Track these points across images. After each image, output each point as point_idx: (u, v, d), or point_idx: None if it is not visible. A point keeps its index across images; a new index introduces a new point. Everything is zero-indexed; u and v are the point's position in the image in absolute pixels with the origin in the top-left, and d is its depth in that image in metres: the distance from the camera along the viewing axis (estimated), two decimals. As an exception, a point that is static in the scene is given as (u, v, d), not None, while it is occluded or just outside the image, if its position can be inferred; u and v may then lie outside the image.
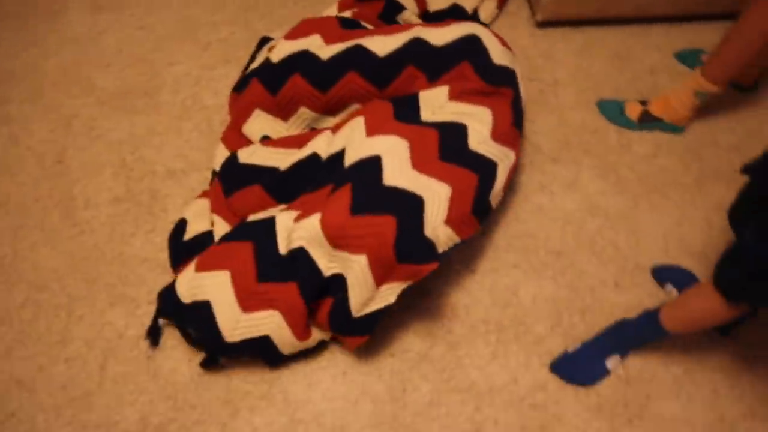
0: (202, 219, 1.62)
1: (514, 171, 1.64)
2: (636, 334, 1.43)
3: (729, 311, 1.19)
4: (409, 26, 1.66)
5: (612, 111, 1.93)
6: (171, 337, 1.51)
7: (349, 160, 1.43)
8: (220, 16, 2.15)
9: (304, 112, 1.67)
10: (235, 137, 1.77)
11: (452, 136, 1.48)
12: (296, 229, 1.38)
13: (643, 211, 1.74)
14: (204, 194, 1.68)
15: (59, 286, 1.58)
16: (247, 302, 1.38)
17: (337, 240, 1.33)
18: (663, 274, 1.62)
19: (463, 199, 1.42)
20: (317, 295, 1.39)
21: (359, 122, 1.49)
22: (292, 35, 1.72)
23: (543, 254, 1.67)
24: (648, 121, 1.88)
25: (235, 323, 1.38)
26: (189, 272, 1.45)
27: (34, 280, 1.58)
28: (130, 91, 1.95)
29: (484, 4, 2.11)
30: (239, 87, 1.80)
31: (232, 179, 1.61)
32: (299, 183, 1.53)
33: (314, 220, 1.34)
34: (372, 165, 1.39)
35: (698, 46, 2.06)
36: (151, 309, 1.53)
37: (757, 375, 1.51)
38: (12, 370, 1.46)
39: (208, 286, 1.41)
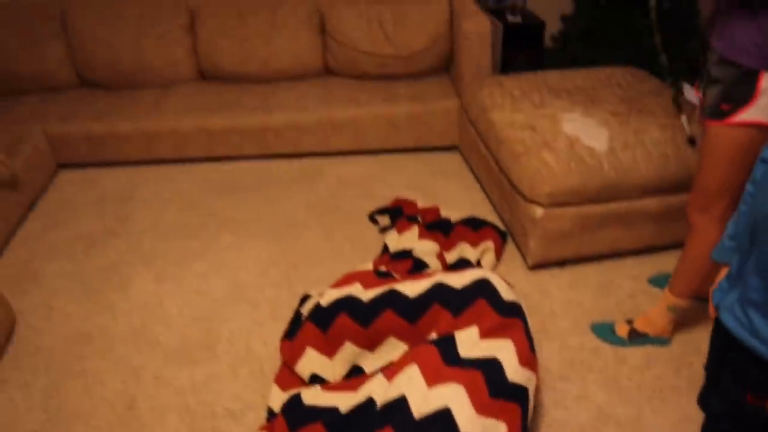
0: (261, 451, 1.83)
1: (536, 391, 1.90)
2: None
3: None
4: (432, 273, 2.06)
5: (604, 332, 2.24)
6: None
7: (417, 411, 1.59)
8: (266, 279, 2.57)
9: (349, 347, 1.97)
10: (286, 378, 2.05)
11: (493, 371, 1.70)
12: None
13: (647, 415, 1.96)
14: (263, 429, 1.90)
15: None
16: None
17: None
18: None
19: (515, 430, 1.65)
20: None
21: (415, 370, 1.68)
22: (337, 284, 2.12)
23: (566, 465, 1.84)
24: (636, 338, 2.19)
25: None
26: None
27: None
28: (191, 345, 2.28)
29: (485, 256, 2.55)
30: (289, 334, 2.13)
31: (297, 418, 1.81)
32: (358, 426, 1.70)
33: None
34: (445, 419, 1.56)
35: (666, 271, 2.45)
36: None
37: None
38: None
39: None
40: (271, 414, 1.96)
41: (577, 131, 2.51)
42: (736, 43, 1.58)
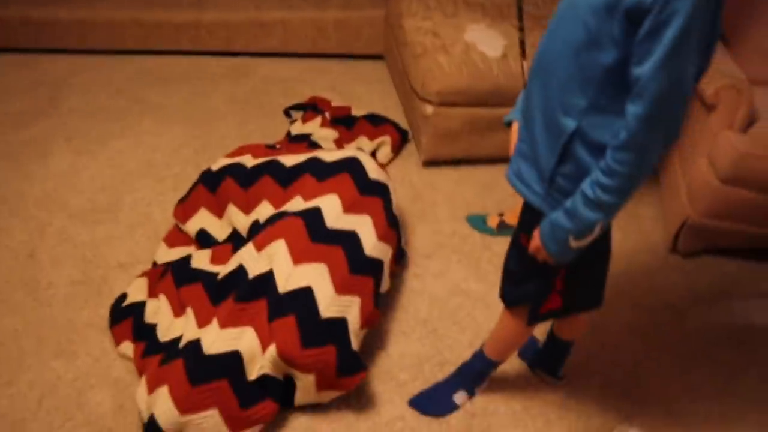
0: (138, 293, 2.04)
1: (395, 262, 2.11)
2: (472, 370, 1.81)
3: (519, 323, 1.60)
4: (312, 150, 2.25)
5: (477, 222, 2.45)
6: (98, 377, 1.85)
7: (282, 286, 1.77)
8: (176, 159, 2.74)
9: (231, 208, 2.16)
10: (174, 237, 2.26)
11: (353, 247, 1.92)
12: (260, 360, 1.70)
13: (497, 291, 2.19)
14: (143, 274, 2.12)
15: (15, 343, 1.94)
16: (235, 424, 1.65)
17: (291, 364, 1.69)
18: None
19: (368, 302, 1.85)
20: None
21: (281, 246, 1.85)
22: (230, 154, 2.31)
23: (412, 323, 2.08)
24: (504, 229, 2.40)
25: None
26: (173, 411, 1.60)
27: (-5, 337, 1.96)
28: (96, 209, 2.46)
29: (380, 148, 2.73)
30: (183, 199, 2.32)
31: (183, 276, 2.02)
32: (230, 290, 1.89)
33: (273, 351, 1.68)
34: (306, 297, 1.75)
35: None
36: (89, 360, 1.90)
37: (583, 409, 1.86)
38: (-35, 402, 1.78)
39: (200, 423, 1.62)
40: (154, 265, 2.17)
41: (477, 39, 2.66)
42: None
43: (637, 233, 2.50)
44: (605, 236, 1.42)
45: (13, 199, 2.51)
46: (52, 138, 2.87)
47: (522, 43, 2.16)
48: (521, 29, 2.15)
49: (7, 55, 3.50)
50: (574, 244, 1.25)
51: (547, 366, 1.91)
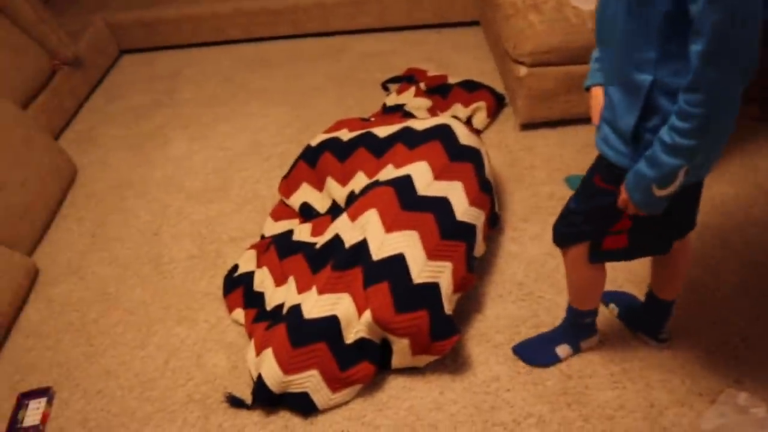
0: (248, 263, 2.20)
1: (488, 226, 2.12)
2: (568, 324, 1.80)
3: (580, 264, 1.57)
4: (405, 120, 2.29)
5: (575, 183, 2.38)
6: (214, 341, 2.02)
7: (375, 254, 1.83)
8: (280, 138, 2.88)
9: (330, 182, 2.26)
10: (279, 211, 2.40)
11: (443, 213, 1.93)
12: (356, 325, 1.80)
13: (595, 252, 2.13)
14: (252, 247, 2.27)
15: (144, 311, 2.17)
16: (335, 384, 1.76)
17: (385, 329, 1.77)
18: (607, 297, 1.98)
19: (460, 266, 1.88)
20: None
21: (373, 215, 1.91)
22: (327, 130, 2.41)
23: (509, 285, 2.08)
24: (604, 188, 2.32)
25: (328, 400, 1.76)
26: (277, 371, 1.73)
27: (128, 307, 2.19)
28: (209, 189, 2.66)
29: (476, 114, 2.72)
30: (287, 175, 2.45)
31: (285, 248, 2.16)
32: (327, 258, 1.99)
33: (368, 316, 1.77)
34: (398, 264, 1.81)
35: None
36: (206, 326, 2.07)
37: (688, 372, 1.78)
38: (104, 363, 2.02)
39: (303, 382, 1.74)
40: (262, 238, 2.32)
41: (570, -7, 2.57)
42: None
43: (753, 187, 2.32)
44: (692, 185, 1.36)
45: (139, 184, 2.76)
46: (169, 127, 3.11)
47: None
48: None
49: (127, 56, 3.83)
50: (658, 192, 1.21)
51: (647, 328, 1.84)
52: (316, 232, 2.17)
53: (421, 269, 1.80)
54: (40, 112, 3.05)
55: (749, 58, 1.02)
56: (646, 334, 1.85)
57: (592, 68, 1.45)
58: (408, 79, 3.04)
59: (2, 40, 2.98)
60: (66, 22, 3.49)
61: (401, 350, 1.77)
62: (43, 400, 1.97)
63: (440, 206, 1.94)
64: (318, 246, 2.03)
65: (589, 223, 1.48)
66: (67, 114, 3.30)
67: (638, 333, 1.88)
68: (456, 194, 1.97)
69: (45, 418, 1.93)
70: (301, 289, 1.94)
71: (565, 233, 1.58)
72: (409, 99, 2.79)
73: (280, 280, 2.07)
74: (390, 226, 1.86)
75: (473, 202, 2.00)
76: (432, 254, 1.83)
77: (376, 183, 2.03)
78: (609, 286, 1.96)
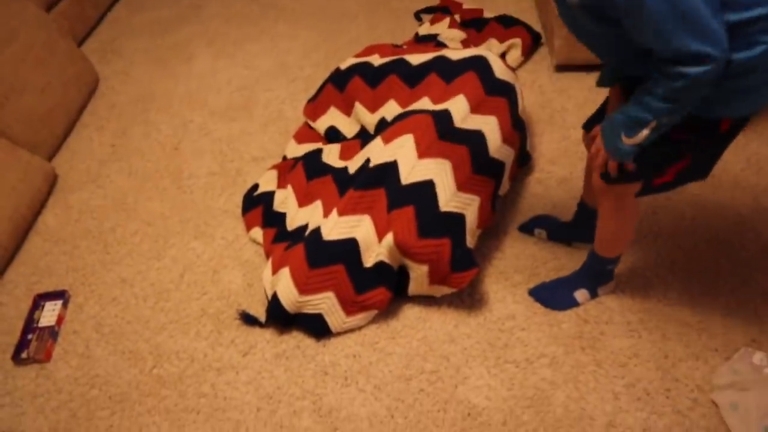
0: (269, 183, 2.17)
1: (517, 165, 2.07)
2: (589, 270, 1.77)
3: (623, 203, 1.52)
4: (439, 49, 2.20)
5: (608, 130, 2.32)
6: (230, 258, 2.01)
7: (404, 178, 1.80)
8: (308, 60, 2.81)
9: (358, 107, 2.20)
10: (303, 134, 2.35)
11: (477, 147, 1.90)
12: (376, 248, 1.77)
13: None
14: (274, 167, 2.24)
15: (162, 224, 2.16)
16: (350, 308, 1.76)
17: (406, 254, 1.74)
18: (531, 225, 2.00)
19: (486, 202, 1.85)
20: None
21: (409, 140, 1.87)
22: (358, 54, 2.34)
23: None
24: (637, 137, 2.25)
25: (342, 323, 1.77)
26: (292, 291, 1.73)
27: (146, 218, 2.18)
28: (233, 107, 2.61)
29: (510, 51, 2.62)
30: (313, 98, 2.40)
31: (312, 168, 2.11)
32: (356, 181, 1.98)
33: (389, 240, 1.74)
34: (427, 190, 1.77)
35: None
36: (223, 242, 2.06)
37: (705, 327, 1.76)
38: (120, 271, 2.03)
39: (317, 303, 1.75)
40: (284, 159, 2.28)
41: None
42: None
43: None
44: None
45: (161, 98, 2.71)
46: (195, 42, 3.03)
47: None
48: None
49: (156, -35, 3.71)
50: (626, 141, 1.26)
51: (584, 237, 1.86)
52: (345, 156, 2.12)
53: (449, 198, 1.76)
54: (62, 18, 2.98)
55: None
56: (585, 242, 1.85)
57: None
58: (443, 10, 2.93)
59: (27, -62, 2.88)
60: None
61: (419, 277, 1.75)
62: (58, 303, 1.99)
63: (475, 140, 1.89)
64: (351, 171, 1.99)
65: (648, 166, 1.42)
66: (89, 22, 3.23)
67: (575, 244, 1.92)
68: (490, 129, 1.92)
69: (60, 320, 1.95)
70: (327, 213, 1.91)
71: (619, 175, 1.52)
72: (443, 29, 2.69)
73: (304, 201, 2.04)
74: (423, 153, 1.82)
75: (506, 140, 1.94)
76: (462, 186, 1.80)
77: (413, 111, 1.97)
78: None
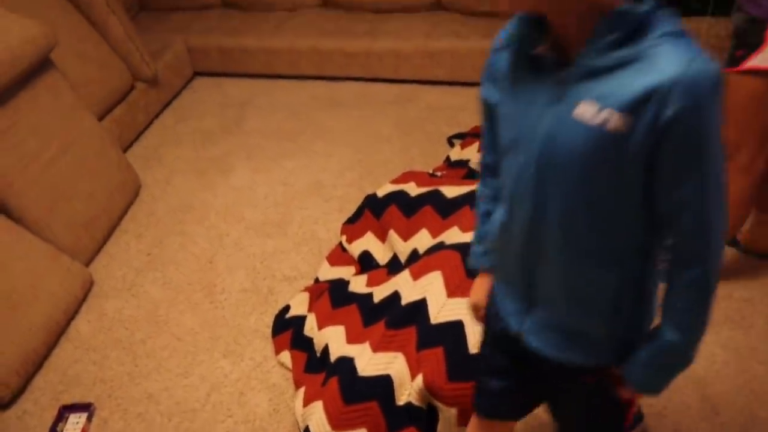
0: (300, 307, 2.20)
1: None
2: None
3: None
4: (474, 182, 2.28)
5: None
6: (258, 380, 2.01)
7: (434, 317, 1.80)
8: (342, 180, 2.91)
9: (392, 235, 2.26)
10: (336, 257, 2.41)
11: None
12: (408, 387, 1.75)
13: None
14: (306, 289, 2.27)
15: (192, 339, 2.18)
16: None
17: (435, 396, 1.72)
18: None
19: None
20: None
21: (437, 278, 1.89)
22: (395, 181, 2.43)
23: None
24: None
25: None
26: (326, 426, 1.71)
27: (176, 332, 2.21)
28: (268, 223, 2.69)
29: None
30: (351, 220, 2.47)
31: (339, 297, 2.16)
32: (383, 314, 1.97)
33: (419, 381, 1.72)
34: (457, 330, 1.76)
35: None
36: (252, 363, 2.07)
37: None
38: (147, 386, 2.03)
39: None
40: (316, 281, 2.33)
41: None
42: None
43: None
44: None
45: (199, 209, 2.81)
46: (234, 154, 3.17)
47: None
48: None
49: (203, 78, 3.94)
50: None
51: None
52: (371, 283, 2.16)
53: (476, 340, 1.77)
54: (114, 124, 3.15)
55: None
56: None
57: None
58: (474, 135, 3.05)
59: (91, 54, 3.10)
60: (149, 40, 3.62)
61: (448, 419, 1.73)
62: (83, 416, 1.99)
63: None
64: (376, 300, 2.02)
65: None
66: (138, 128, 3.40)
67: None
68: None
69: (84, 434, 1.94)
70: (351, 339, 1.92)
71: None
72: (474, 154, 2.80)
73: (325, 324, 2.07)
74: (453, 291, 1.84)
75: None
76: None
77: (442, 245, 2.02)
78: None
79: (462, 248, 1.95)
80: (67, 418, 1.99)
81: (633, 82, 0.77)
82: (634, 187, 0.86)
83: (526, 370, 1.15)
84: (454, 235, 2.04)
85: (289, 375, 2.02)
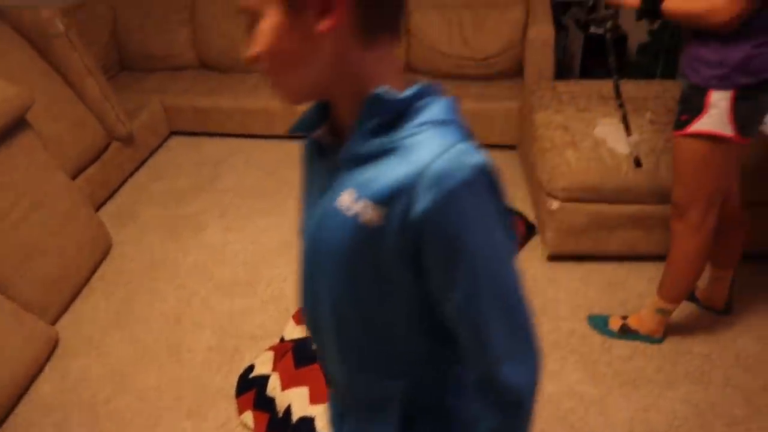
0: (264, 366, 2.20)
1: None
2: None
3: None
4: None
5: (598, 323, 2.39)
6: (223, 443, 2.00)
7: None
8: (312, 238, 2.95)
9: None
10: (302, 314, 2.42)
11: None
12: None
13: (615, 397, 2.10)
14: (271, 348, 2.28)
15: (156, 399, 2.17)
16: None
17: None
18: None
19: None
20: None
21: None
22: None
23: (523, 422, 2.04)
24: (626, 333, 2.31)
25: None
26: None
27: (140, 392, 2.20)
28: (237, 282, 2.71)
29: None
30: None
31: (304, 357, 2.16)
32: None
33: None
34: None
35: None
36: (215, 424, 2.06)
37: None
38: (109, 450, 2.01)
39: None
40: (281, 340, 2.34)
41: (606, 135, 2.66)
42: (690, 59, 1.74)
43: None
44: None
45: (170, 268, 2.83)
46: (208, 213, 3.21)
47: (624, 118, 2.27)
48: (621, 105, 2.24)
49: (179, 137, 4.02)
50: None
51: None
52: None
53: None
54: (87, 182, 3.18)
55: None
56: None
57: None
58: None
59: (66, 113, 3.16)
60: (127, 99, 3.70)
61: None
62: (41, 481, 1.95)
63: None
64: None
65: None
66: (112, 187, 3.44)
67: None
68: None
69: (40, 500, 1.90)
70: (314, 400, 1.93)
71: None
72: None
73: (288, 384, 2.07)
74: None
75: None
76: None
77: None
78: (625, 439, 1.92)
79: None
80: (24, 483, 1.96)
81: (388, 172, 0.72)
82: (404, 289, 0.78)
83: None
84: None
85: (252, 436, 2.01)
